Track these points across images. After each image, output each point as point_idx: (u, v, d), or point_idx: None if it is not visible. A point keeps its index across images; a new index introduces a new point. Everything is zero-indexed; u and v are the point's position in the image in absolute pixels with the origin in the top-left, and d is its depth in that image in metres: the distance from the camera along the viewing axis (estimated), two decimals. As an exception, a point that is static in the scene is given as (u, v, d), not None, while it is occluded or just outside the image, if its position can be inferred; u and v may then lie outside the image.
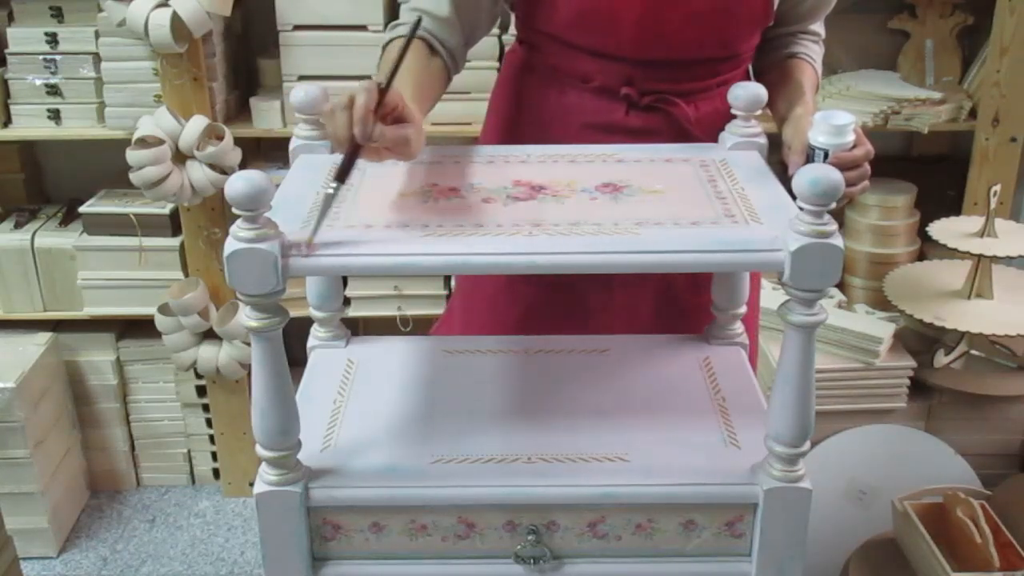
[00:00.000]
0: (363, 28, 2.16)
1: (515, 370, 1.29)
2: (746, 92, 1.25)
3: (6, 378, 2.22)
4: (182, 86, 2.16)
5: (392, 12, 2.20)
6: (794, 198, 0.97)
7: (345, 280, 2.25)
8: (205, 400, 2.53)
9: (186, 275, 2.36)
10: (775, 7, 1.35)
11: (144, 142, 2.12)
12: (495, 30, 2.12)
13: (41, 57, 2.20)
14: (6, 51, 2.21)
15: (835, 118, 1.19)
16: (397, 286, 2.36)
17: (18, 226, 2.39)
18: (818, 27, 1.46)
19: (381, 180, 1.14)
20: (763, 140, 1.27)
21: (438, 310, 2.31)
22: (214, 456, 2.62)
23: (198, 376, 2.48)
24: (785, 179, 1.12)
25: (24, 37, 2.20)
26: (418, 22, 1.20)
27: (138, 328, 2.47)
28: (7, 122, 2.26)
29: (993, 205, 2.03)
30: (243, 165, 2.21)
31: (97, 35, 2.18)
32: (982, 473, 2.03)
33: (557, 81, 1.40)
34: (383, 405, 1.21)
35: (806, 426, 1.03)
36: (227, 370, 2.38)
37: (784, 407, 1.03)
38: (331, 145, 1.07)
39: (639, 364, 1.30)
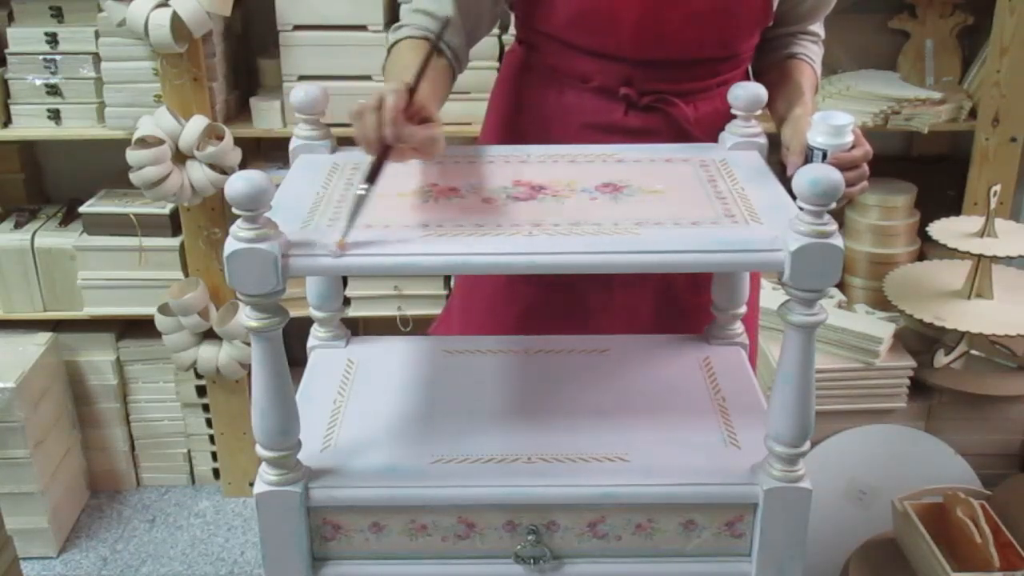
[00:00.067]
0: (363, 28, 2.16)
1: (515, 370, 1.29)
2: (746, 92, 1.25)
3: (6, 378, 2.22)
4: (182, 86, 2.16)
5: (392, 12, 2.20)
6: (794, 198, 0.97)
7: (345, 280, 2.25)
8: (205, 400, 2.53)
9: (186, 275, 2.36)
10: (775, 7, 1.35)
11: (144, 142, 2.12)
12: (495, 30, 2.12)
13: (41, 57, 2.20)
14: (6, 51, 2.21)
15: (834, 119, 1.19)
16: (397, 286, 2.36)
17: (18, 226, 2.39)
18: (818, 28, 1.46)
19: (381, 181, 1.14)
20: (763, 140, 1.27)
21: (438, 310, 2.31)
22: (214, 456, 2.62)
23: (198, 376, 2.48)
24: (784, 179, 1.12)
25: (24, 37, 2.20)
26: (444, 27, 1.24)
27: (138, 328, 2.47)
28: (7, 122, 2.26)
29: (993, 205, 2.03)
30: (243, 165, 2.21)
31: (97, 35, 2.18)
32: (982, 473, 2.03)
33: (556, 81, 1.40)
34: (383, 405, 1.21)
35: (806, 426, 1.03)
36: (227, 370, 2.38)
37: (784, 407, 1.03)
38: (362, 148, 1.08)
39: (639, 364, 1.30)
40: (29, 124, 2.25)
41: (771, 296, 1.98)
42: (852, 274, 2.28)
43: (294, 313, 1.06)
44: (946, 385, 2.05)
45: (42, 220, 2.42)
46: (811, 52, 1.43)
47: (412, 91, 1.08)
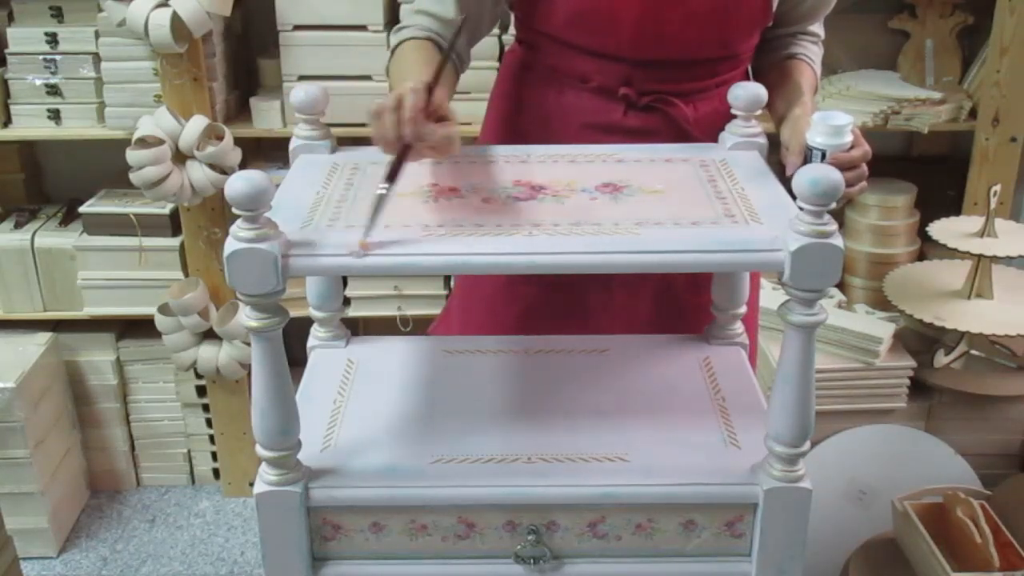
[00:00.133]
0: (363, 28, 2.16)
1: (515, 370, 1.29)
2: (746, 92, 1.25)
3: (6, 378, 2.22)
4: (182, 86, 2.16)
5: (392, 12, 2.20)
6: (793, 198, 0.97)
7: (345, 280, 2.25)
8: (205, 400, 2.53)
9: (186, 275, 2.36)
10: (774, 8, 1.35)
11: (144, 142, 2.12)
12: (495, 30, 2.12)
13: (41, 57, 2.20)
14: (6, 51, 2.21)
15: (833, 119, 1.18)
16: (397, 286, 2.36)
17: (18, 226, 2.39)
18: (817, 28, 1.46)
19: (380, 181, 1.14)
20: (763, 140, 1.27)
21: (438, 310, 2.31)
22: (214, 456, 2.62)
23: (198, 376, 2.48)
24: (784, 179, 1.12)
25: (24, 37, 2.20)
26: (459, 30, 1.24)
27: (138, 328, 2.47)
28: (7, 122, 2.26)
29: (993, 205, 2.03)
30: (243, 165, 2.21)
31: (97, 35, 2.18)
32: (982, 473, 2.03)
33: (556, 81, 1.40)
34: (383, 405, 1.21)
35: (806, 426, 1.03)
36: (227, 370, 2.38)
37: (784, 407, 1.03)
38: (379, 148, 1.08)
39: (639, 364, 1.30)
40: (29, 124, 2.25)
41: (771, 296, 1.98)
42: (852, 274, 2.28)
43: (294, 313, 1.06)
44: (946, 385, 2.05)
45: (42, 220, 2.42)
46: (811, 52, 1.43)
47: (431, 90, 1.08)
